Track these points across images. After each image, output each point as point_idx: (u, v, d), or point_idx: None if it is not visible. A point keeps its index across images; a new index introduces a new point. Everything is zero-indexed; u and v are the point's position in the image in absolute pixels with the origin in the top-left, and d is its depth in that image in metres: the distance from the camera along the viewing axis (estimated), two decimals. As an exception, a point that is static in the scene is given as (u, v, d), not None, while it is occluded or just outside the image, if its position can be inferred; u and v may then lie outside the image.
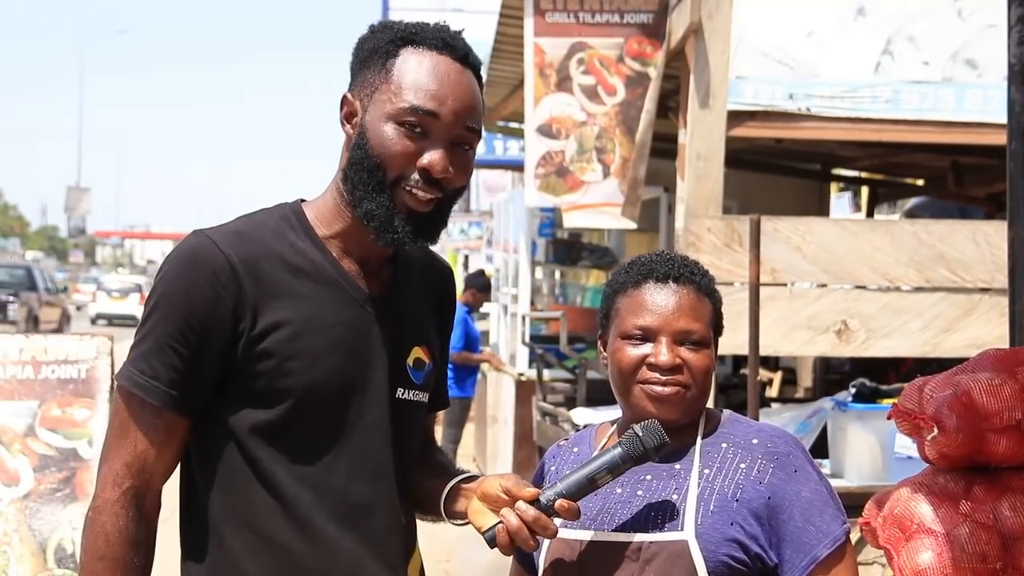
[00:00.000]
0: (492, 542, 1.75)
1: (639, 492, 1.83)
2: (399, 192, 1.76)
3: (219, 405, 1.79)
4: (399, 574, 1.87)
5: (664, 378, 1.82)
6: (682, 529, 1.77)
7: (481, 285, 9.36)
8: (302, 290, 1.79)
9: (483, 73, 1.87)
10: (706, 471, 1.83)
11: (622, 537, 1.80)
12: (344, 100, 1.81)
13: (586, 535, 1.82)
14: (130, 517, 1.75)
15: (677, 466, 1.84)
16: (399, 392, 1.86)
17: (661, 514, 1.79)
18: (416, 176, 1.76)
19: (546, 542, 1.83)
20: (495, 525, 1.74)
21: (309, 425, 1.78)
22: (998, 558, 1.89)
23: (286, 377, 1.76)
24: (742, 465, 1.82)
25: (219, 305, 1.74)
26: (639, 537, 1.78)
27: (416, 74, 1.76)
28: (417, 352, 1.91)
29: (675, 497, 1.80)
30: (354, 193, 1.78)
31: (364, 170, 1.76)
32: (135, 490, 1.76)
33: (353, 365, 1.81)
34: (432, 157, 1.75)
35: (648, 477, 1.84)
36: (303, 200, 1.91)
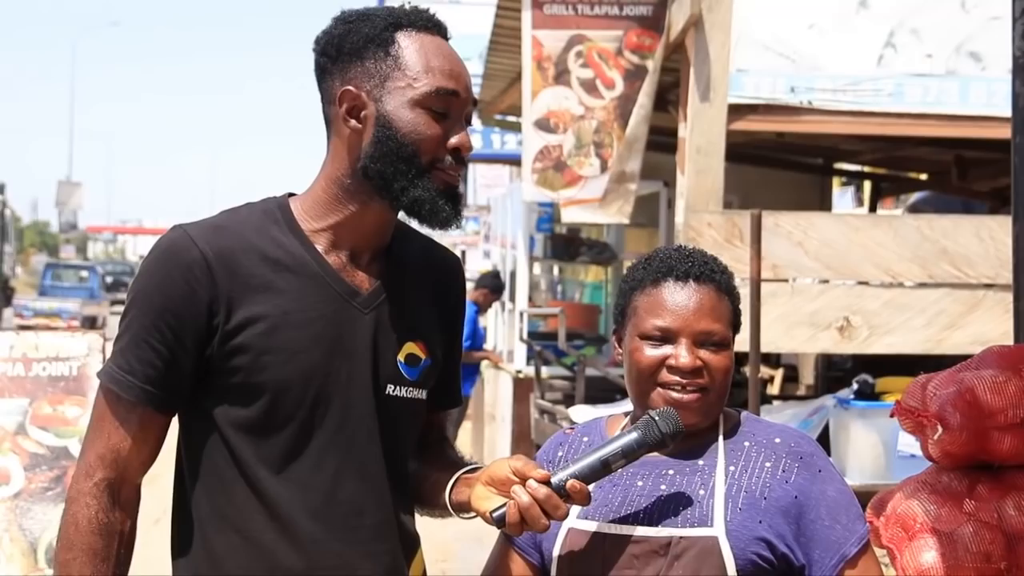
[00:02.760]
0: (501, 521, 1.70)
1: (662, 486, 1.80)
2: (435, 173, 1.78)
3: (203, 402, 1.78)
4: (394, 574, 1.83)
5: (685, 381, 1.80)
6: (712, 525, 1.74)
7: (494, 286, 9.45)
8: (281, 284, 1.77)
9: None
10: (731, 468, 1.81)
11: (649, 532, 1.76)
12: (345, 95, 1.77)
13: (608, 528, 1.79)
14: (101, 507, 1.74)
15: (700, 462, 1.82)
16: (389, 388, 1.83)
17: (688, 509, 1.77)
18: (448, 157, 1.78)
19: (561, 534, 1.81)
20: (504, 504, 1.70)
21: (290, 421, 1.76)
22: (1002, 557, 1.88)
23: (262, 372, 1.74)
24: (767, 464, 1.81)
25: (193, 299, 1.73)
26: (668, 532, 1.75)
27: (427, 57, 1.77)
28: (411, 347, 1.87)
29: (701, 493, 1.78)
30: (391, 186, 1.77)
31: (400, 160, 1.76)
32: (107, 481, 1.75)
33: (336, 360, 1.78)
34: (461, 137, 1.78)
35: (671, 472, 1.81)
36: (292, 194, 1.88)
